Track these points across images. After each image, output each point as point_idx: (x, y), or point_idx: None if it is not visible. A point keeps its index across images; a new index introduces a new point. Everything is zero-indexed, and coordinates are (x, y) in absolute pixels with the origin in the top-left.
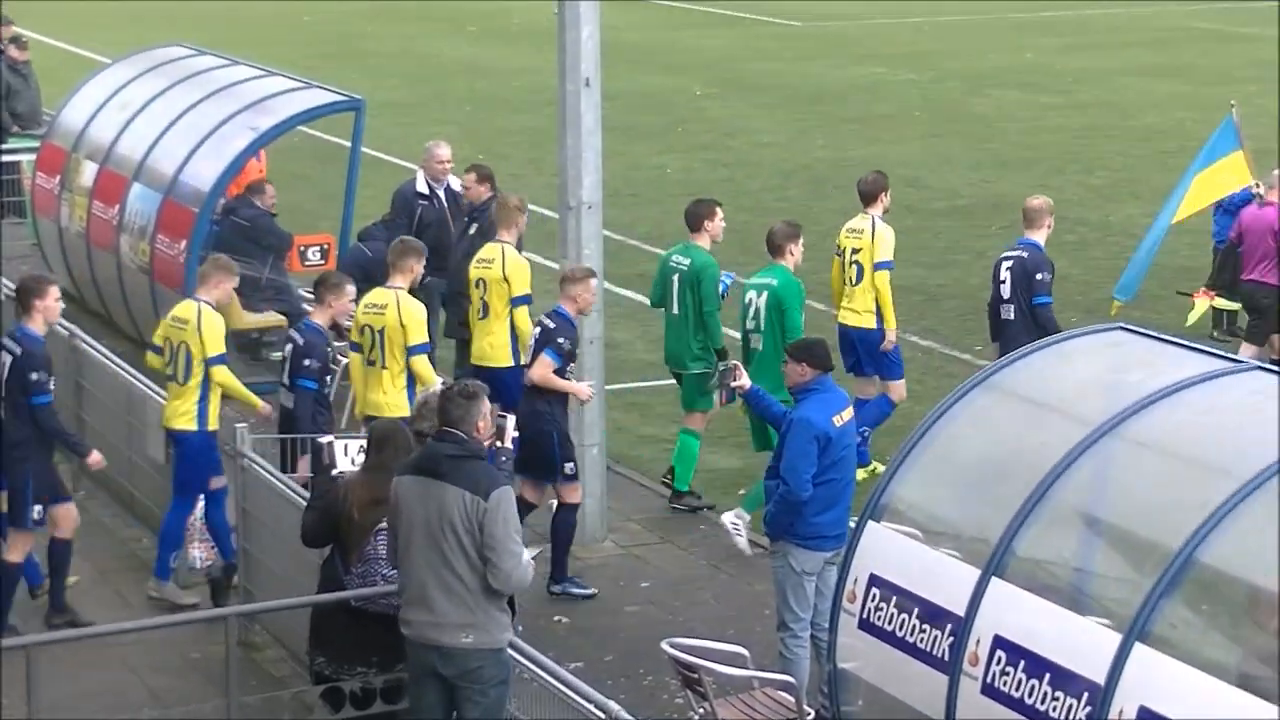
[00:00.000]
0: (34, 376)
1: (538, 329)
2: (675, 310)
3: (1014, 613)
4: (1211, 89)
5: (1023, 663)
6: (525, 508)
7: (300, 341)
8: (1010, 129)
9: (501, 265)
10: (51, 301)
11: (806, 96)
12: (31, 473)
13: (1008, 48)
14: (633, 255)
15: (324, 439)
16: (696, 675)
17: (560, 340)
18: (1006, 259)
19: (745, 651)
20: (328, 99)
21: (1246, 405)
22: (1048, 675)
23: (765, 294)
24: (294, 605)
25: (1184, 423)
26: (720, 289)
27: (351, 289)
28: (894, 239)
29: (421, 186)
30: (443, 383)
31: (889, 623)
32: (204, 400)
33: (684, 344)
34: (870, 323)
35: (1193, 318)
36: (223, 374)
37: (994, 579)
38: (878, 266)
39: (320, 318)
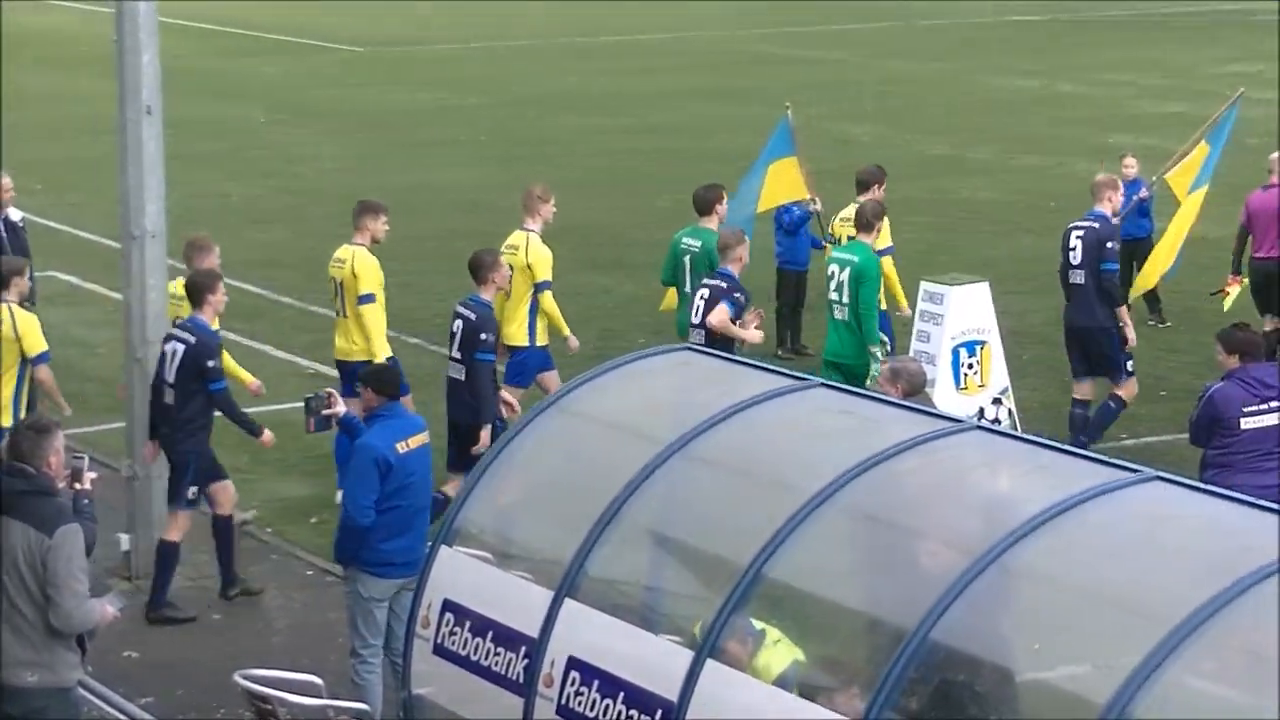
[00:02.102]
0: (210, 364)
1: (705, 290)
2: (688, 288)
3: (587, 633)
4: (776, 111)
5: (597, 682)
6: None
7: None
8: (579, 153)
9: (525, 252)
10: (221, 295)
11: (371, 122)
12: (194, 455)
13: (576, 71)
14: None
15: None
16: (270, 706)
17: (736, 295)
18: (1077, 228)
19: (319, 680)
20: None
21: (811, 422)
22: (621, 694)
23: (848, 269)
24: None
25: (751, 440)
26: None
27: None
28: (888, 226)
29: None
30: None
31: (463, 647)
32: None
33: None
34: None
35: (1228, 304)
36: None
37: (567, 600)
38: (880, 253)
39: None
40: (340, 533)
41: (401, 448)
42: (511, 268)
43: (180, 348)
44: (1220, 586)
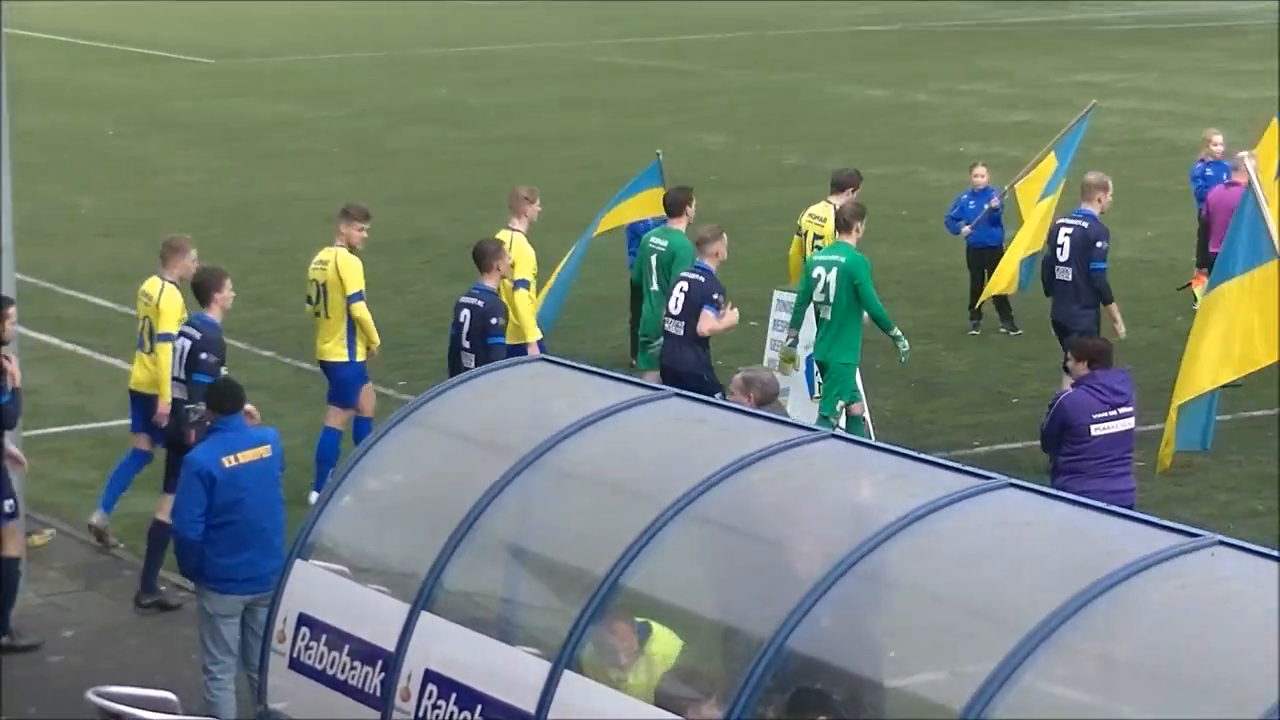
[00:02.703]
0: (203, 356)
1: (684, 283)
2: (654, 286)
3: (444, 646)
4: (625, 120)
5: (454, 695)
6: None
7: None
8: (429, 164)
9: (510, 250)
10: (227, 292)
11: (224, 134)
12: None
13: (423, 83)
14: (46, 298)
15: None
16: None
17: (715, 296)
18: (1066, 225)
19: (174, 697)
20: None
21: (666, 432)
22: (479, 707)
23: (834, 269)
24: None
25: (606, 451)
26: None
27: None
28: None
29: None
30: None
31: (320, 661)
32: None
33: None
34: None
35: (1199, 294)
36: (164, 352)
37: (423, 613)
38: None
39: None
40: (175, 546)
41: (229, 462)
42: None
43: (187, 343)
44: (1073, 592)
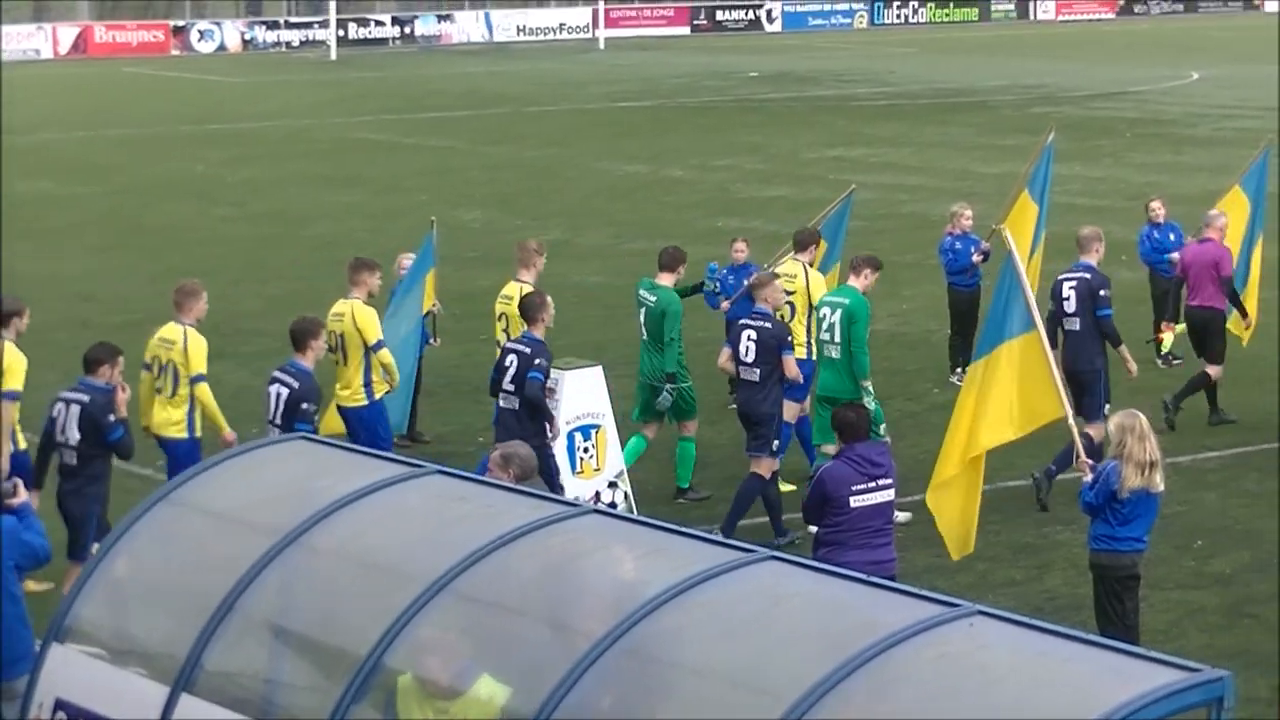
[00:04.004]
0: (304, 406)
1: (751, 332)
2: (644, 336)
3: None
4: (382, 198)
5: None
6: None
7: None
8: (186, 240)
9: (518, 302)
10: (322, 341)
11: None
12: None
13: (180, 159)
14: None
15: None
16: None
17: (789, 338)
18: (1069, 279)
19: None
20: None
21: (427, 509)
22: None
23: (839, 311)
24: None
25: (367, 529)
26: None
27: None
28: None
29: None
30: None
31: None
32: (191, 412)
33: (655, 365)
34: (802, 354)
35: (1166, 346)
36: (204, 391)
37: (184, 695)
38: (816, 307)
39: None
40: None
41: None
42: (508, 317)
43: (284, 391)
44: (836, 662)
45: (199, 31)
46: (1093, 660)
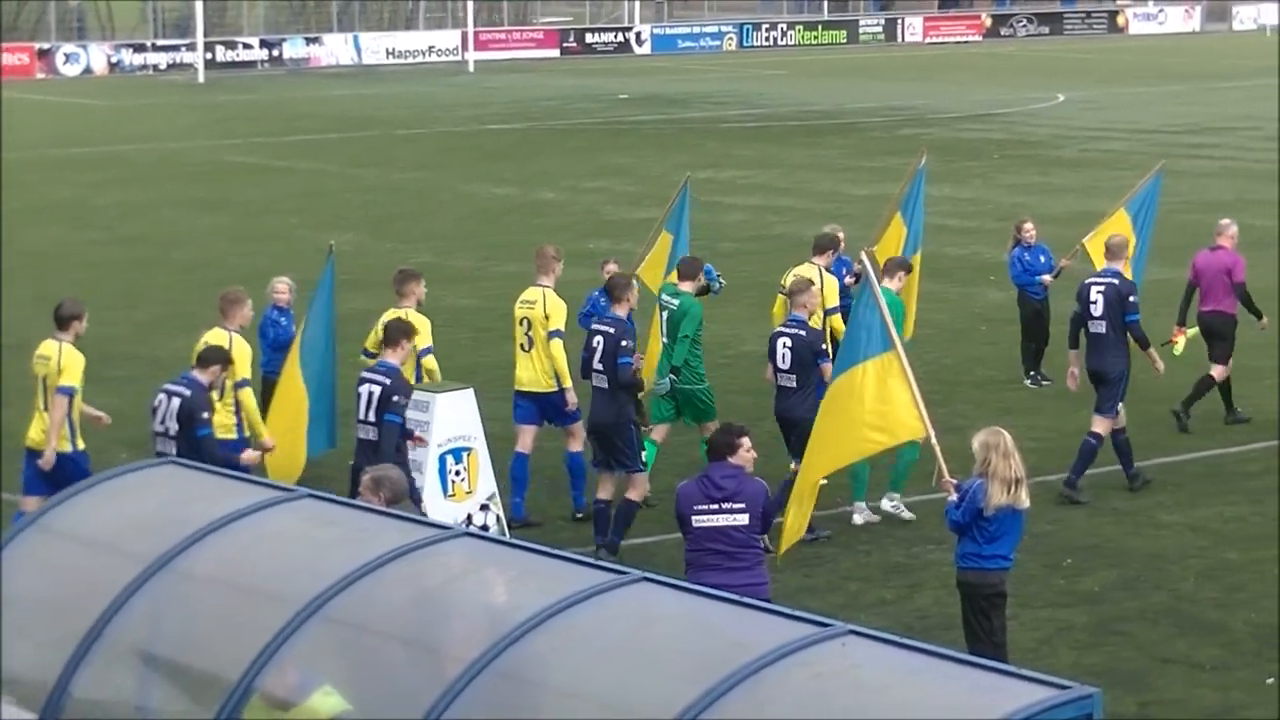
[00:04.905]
0: (396, 400)
1: (786, 339)
2: (665, 339)
3: None
4: (253, 221)
5: None
6: None
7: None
8: (57, 265)
9: (543, 305)
10: (412, 342)
11: None
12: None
13: (47, 183)
14: None
15: None
16: None
17: (823, 346)
18: (1097, 284)
19: None
20: None
21: (298, 533)
22: None
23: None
24: None
25: (238, 553)
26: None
27: None
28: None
29: None
30: None
31: None
32: (239, 414)
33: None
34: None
35: (1179, 350)
36: (247, 396)
37: None
38: (828, 312)
39: None
40: None
41: None
42: (530, 321)
43: (375, 390)
44: (709, 684)
45: (65, 54)
46: (963, 678)
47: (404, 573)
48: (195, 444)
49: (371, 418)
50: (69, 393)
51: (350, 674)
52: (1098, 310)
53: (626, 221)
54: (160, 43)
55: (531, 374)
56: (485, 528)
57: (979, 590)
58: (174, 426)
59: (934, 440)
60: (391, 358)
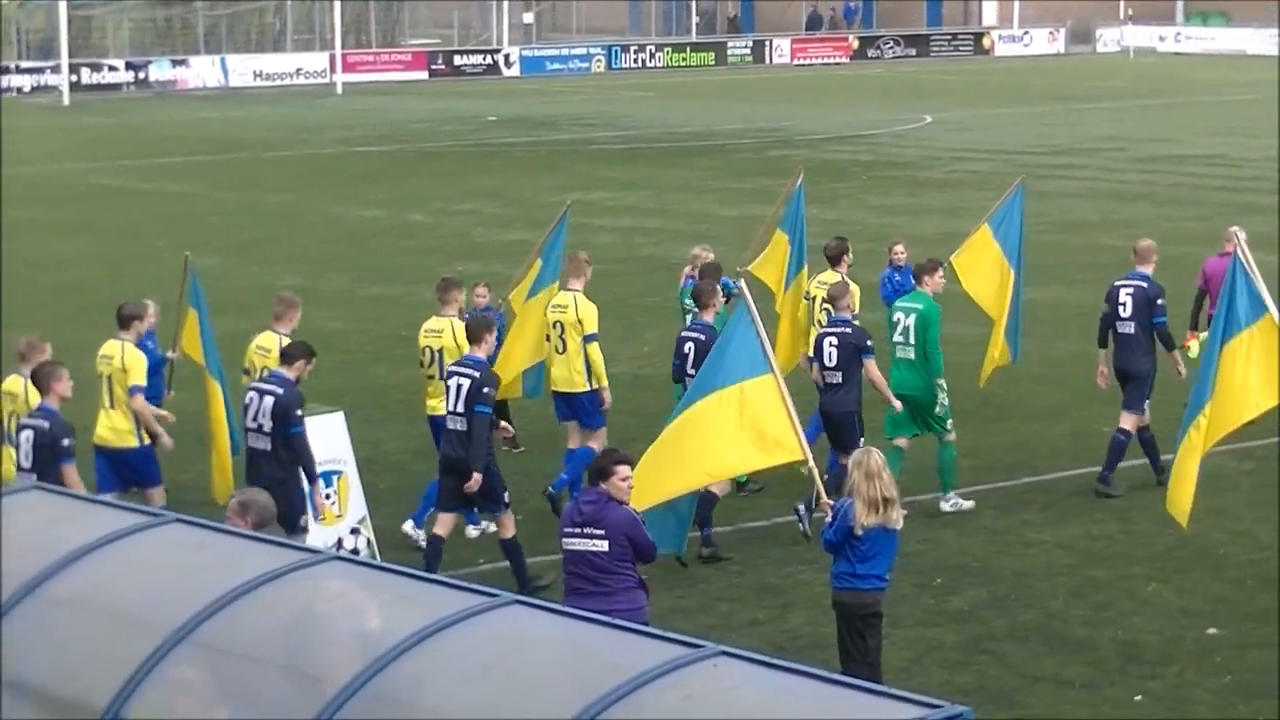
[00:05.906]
0: (485, 391)
1: (833, 338)
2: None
3: None
4: (120, 243)
5: None
6: None
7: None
8: None
9: (575, 309)
10: (494, 335)
11: None
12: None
13: None
14: None
15: None
16: None
17: (869, 343)
18: (1126, 286)
19: None
20: None
21: (165, 559)
22: None
23: (913, 315)
24: None
25: (104, 579)
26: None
27: None
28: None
29: None
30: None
31: None
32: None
33: None
34: None
35: (1193, 354)
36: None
37: None
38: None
39: None
40: None
41: None
42: (563, 324)
43: (465, 383)
44: (581, 706)
45: None
46: (835, 698)
47: (274, 597)
48: (287, 440)
49: (461, 409)
50: (140, 390)
51: (221, 699)
52: (1127, 311)
53: (496, 244)
54: (24, 65)
55: (565, 373)
56: (356, 551)
57: (854, 610)
58: (268, 423)
59: (811, 463)
60: (478, 352)
